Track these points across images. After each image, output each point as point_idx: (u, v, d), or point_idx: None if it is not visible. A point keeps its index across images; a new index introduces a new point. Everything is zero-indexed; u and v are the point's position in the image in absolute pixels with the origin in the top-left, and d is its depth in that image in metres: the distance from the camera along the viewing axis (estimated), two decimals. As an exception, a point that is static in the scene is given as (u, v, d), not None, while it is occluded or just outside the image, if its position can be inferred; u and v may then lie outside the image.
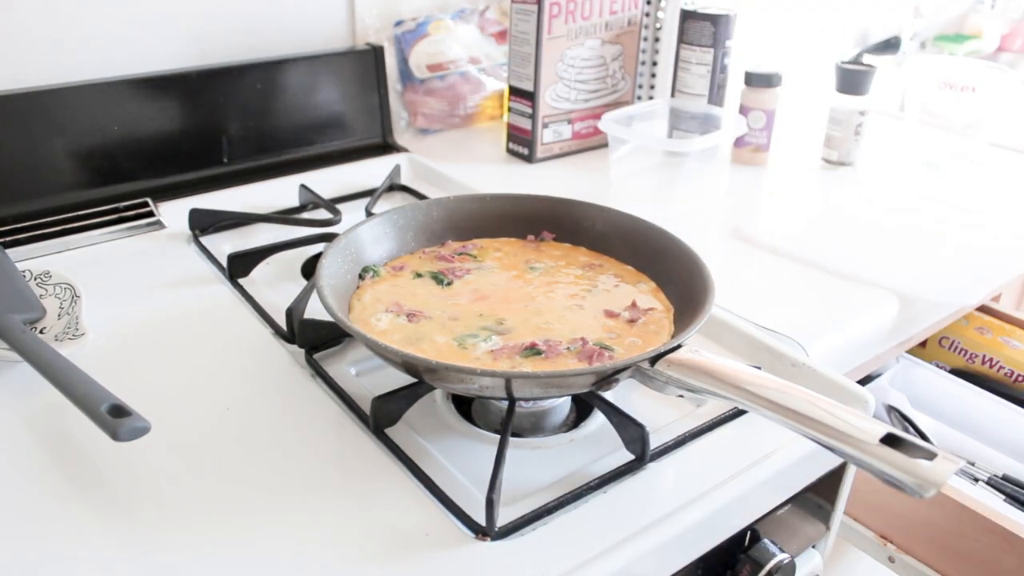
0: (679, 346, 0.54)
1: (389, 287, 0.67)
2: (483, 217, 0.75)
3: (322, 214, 0.89)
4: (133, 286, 0.76)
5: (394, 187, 0.98)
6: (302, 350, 0.66)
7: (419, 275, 0.69)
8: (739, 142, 1.12)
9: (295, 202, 0.95)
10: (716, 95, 1.11)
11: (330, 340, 0.67)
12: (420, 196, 0.96)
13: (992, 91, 1.09)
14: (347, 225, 0.85)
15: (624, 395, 0.65)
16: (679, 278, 0.66)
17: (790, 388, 0.49)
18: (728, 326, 0.71)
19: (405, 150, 1.09)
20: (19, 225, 0.83)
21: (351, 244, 0.68)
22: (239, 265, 0.78)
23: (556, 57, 1.06)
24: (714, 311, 0.73)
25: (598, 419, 0.62)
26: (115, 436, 0.50)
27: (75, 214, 0.86)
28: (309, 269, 0.81)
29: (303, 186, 0.94)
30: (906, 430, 0.92)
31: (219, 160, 0.98)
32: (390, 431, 0.58)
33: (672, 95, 1.14)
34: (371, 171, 1.01)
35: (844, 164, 1.12)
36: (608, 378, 0.54)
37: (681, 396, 0.61)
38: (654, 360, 0.53)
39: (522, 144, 1.11)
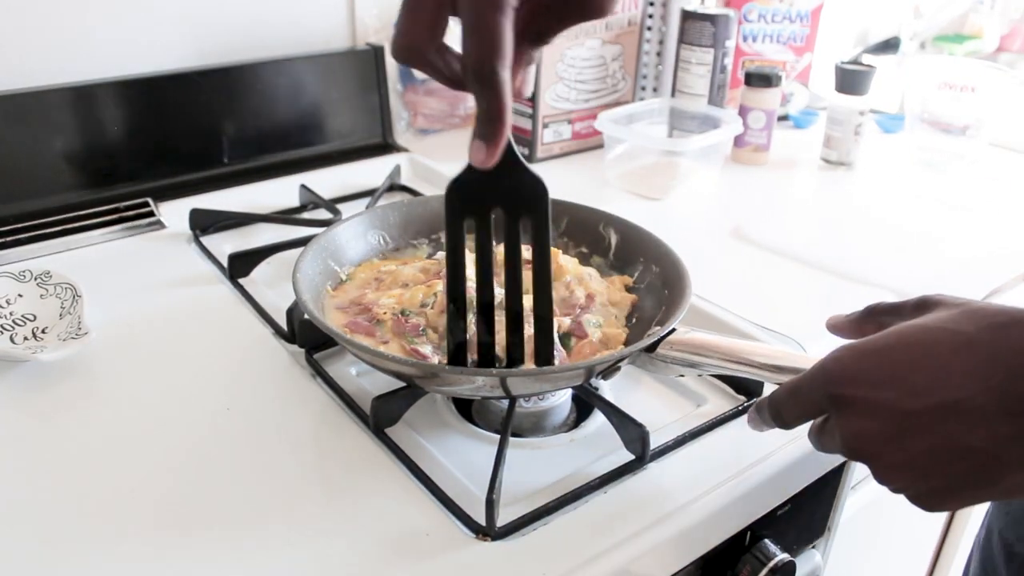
0: (673, 330, 0.56)
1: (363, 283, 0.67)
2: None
3: (322, 214, 0.89)
4: (134, 286, 0.76)
5: (394, 187, 0.98)
6: (302, 350, 0.66)
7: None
8: (739, 142, 1.12)
9: (295, 202, 0.95)
10: (716, 95, 1.11)
11: (330, 340, 0.67)
12: (420, 196, 0.96)
13: (992, 91, 1.09)
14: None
15: (624, 395, 0.65)
16: (652, 267, 0.67)
17: (780, 351, 0.53)
18: (728, 326, 0.71)
19: (405, 150, 1.09)
20: (19, 225, 0.83)
21: (327, 247, 0.66)
22: (239, 265, 0.78)
23: (556, 57, 1.06)
24: (714, 311, 0.73)
25: (598, 419, 0.62)
26: None
27: (75, 214, 0.86)
28: (309, 269, 0.81)
29: (303, 186, 0.94)
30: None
31: (219, 160, 0.98)
32: (390, 431, 0.58)
33: (672, 95, 1.15)
34: (371, 171, 1.01)
35: (843, 164, 1.12)
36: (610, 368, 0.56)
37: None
38: (652, 347, 0.55)
39: (522, 144, 1.11)
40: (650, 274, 0.67)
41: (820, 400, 0.43)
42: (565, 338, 0.60)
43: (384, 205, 0.74)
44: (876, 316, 0.49)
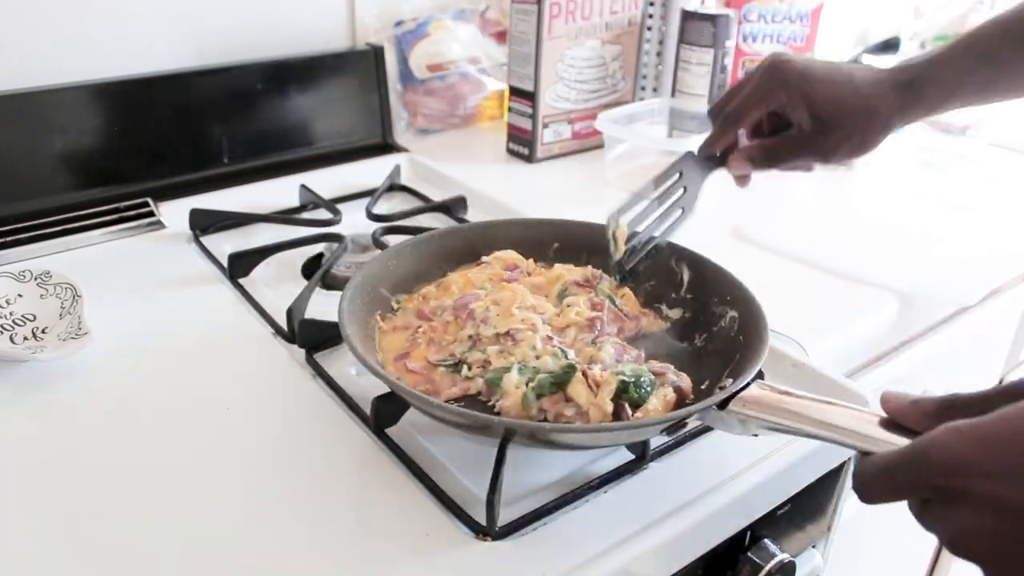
0: (749, 384, 0.51)
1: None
2: (519, 241, 0.71)
3: (322, 214, 0.89)
4: (134, 286, 0.76)
5: (394, 187, 0.98)
6: (302, 350, 0.66)
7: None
8: (739, 142, 1.11)
9: (295, 202, 0.95)
10: (716, 95, 1.11)
11: (330, 340, 0.67)
12: (420, 196, 0.96)
13: (992, 91, 1.09)
14: (347, 225, 0.86)
15: (624, 395, 0.65)
16: (727, 311, 0.63)
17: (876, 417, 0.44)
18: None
19: (405, 150, 1.09)
20: (19, 225, 0.83)
21: (368, 281, 0.64)
22: (239, 265, 0.78)
23: (556, 57, 1.06)
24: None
25: (598, 419, 0.61)
26: None
27: (75, 214, 0.86)
28: (309, 269, 0.81)
29: (303, 186, 0.94)
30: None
31: (219, 160, 0.98)
32: (390, 431, 0.58)
33: (672, 95, 1.14)
34: (371, 171, 1.01)
35: (843, 164, 1.12)
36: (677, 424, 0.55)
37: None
38: (723, 403, 0.51)
39: (522, 144, 1.11)
40: (724, 317, 0.63)
41: (919, 488, 0.38)
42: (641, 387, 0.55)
43: (443, 231, 0.71)
44: (956, 410, 0.40)
